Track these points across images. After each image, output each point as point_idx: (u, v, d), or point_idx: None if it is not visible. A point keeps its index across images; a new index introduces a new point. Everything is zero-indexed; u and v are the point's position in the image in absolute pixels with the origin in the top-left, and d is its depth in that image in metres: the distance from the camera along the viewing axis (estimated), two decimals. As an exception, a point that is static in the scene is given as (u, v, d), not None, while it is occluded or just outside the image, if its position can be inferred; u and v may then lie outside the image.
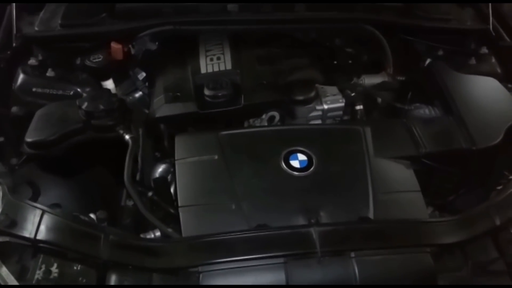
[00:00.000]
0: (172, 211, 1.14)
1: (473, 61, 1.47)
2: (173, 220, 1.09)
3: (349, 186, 1.06)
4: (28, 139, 1.13)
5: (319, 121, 1.36)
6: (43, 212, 0.91)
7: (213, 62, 1.37)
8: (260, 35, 1.47)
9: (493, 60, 1.47)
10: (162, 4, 1.43)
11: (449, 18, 1.52)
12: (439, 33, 1.49)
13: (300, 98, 1.30)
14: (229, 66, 1.35)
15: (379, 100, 1.45)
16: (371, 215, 0.99)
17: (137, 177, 1.27)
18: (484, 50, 1.47)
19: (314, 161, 1.08)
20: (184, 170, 1.08)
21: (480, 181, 1.25)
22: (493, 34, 1.47)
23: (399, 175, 1.09)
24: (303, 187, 1.04)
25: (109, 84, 1.37)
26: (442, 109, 1.30)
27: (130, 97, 1.49)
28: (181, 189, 1.04)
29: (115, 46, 1.36)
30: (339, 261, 0.89)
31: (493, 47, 1.48)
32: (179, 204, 1.01)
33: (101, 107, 1.16)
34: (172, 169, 1.36)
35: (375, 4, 1.48)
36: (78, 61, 1.39)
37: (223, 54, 1.40)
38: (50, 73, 1.33)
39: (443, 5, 1.57)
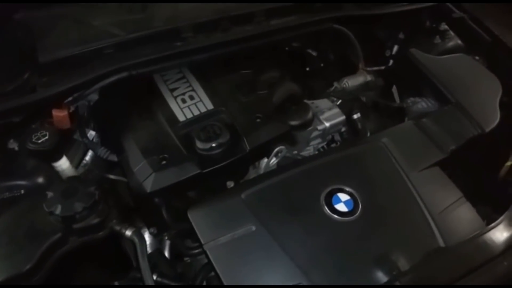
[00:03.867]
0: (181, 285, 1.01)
1: (437, 39, 1.46)
2: None
3: (404, 215, 0.96)
4: (-5, 280, 0.81)
5: (319, 140, 1.25)
6: None
7: (188, 104, 1.14)
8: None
9: (453, 34, 1.47)
10: (100, 42, 1.13)
11: None
12: (401, 16, 1.44)
13: (299, 122, 1.16)
14: (210, 106, 1.13)
15: (363, 99, 1.38)
16: (440, 241, 0.91)
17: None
18: (444, 26, 1.46)
19: (358, 198, 0.96)
20: (220, 255, 0.87)
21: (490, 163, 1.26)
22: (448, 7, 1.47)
23: (440, 186, 1.03)
24: (362, 233, 0.91)
25: (63, 163, 1.06)
26: (435, 99, 1.27)
27: (82, 165, 1.20)
28: (229, 281, 0.84)
29: (59, 114, 1.04)
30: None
31: (449, 21, 1.48)
32: None
33: (81, 205, 0.88)
34: (166, 238, 1.16)
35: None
36: (11, 144, 1.05)
37: (194, 90, 1.17)
38: (-17, 173, 0.97)
39: None
